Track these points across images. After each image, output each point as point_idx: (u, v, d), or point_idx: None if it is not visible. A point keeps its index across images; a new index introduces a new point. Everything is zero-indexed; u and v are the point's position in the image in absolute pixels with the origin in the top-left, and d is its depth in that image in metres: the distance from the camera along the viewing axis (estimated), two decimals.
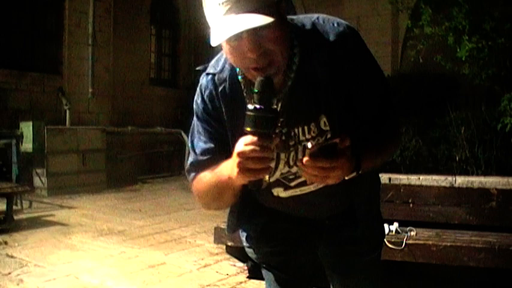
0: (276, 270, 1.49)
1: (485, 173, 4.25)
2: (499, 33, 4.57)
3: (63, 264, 3.90)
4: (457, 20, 4.71)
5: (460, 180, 3.59)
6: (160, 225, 5.37)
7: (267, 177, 1.19)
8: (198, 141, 1.35)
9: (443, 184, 3.58)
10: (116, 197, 7.27)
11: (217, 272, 3.76)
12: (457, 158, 4.59)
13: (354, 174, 1.16)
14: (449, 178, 3.61)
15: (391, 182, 3.65)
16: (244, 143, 1.07)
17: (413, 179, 3.71)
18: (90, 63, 8.80)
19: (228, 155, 1.18)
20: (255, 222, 1.47)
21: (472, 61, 4.78)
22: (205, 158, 1.32)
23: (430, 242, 3.04)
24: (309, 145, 1.10)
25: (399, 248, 3.04)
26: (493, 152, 4.48)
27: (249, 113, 1.07)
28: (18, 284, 3.44)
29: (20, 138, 6.63)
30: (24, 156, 6.60)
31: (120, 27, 9.44)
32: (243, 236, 1.55)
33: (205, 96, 1.33)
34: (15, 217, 5.30)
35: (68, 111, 8.28)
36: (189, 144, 1.39)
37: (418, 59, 5.35)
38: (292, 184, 1.33)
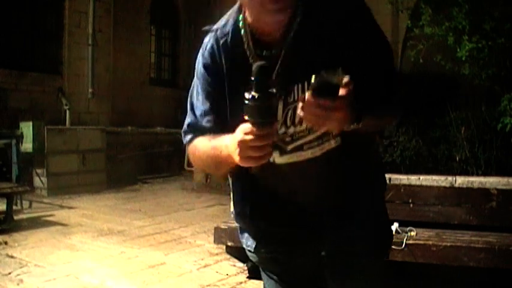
0: (277, 278, 1.47)
1: (485, 173, 4.25)
2: (499, 33, 4.57)
3: (63, 264, 3.90)
4: (457, 20, 4.71)
5: (460, 180, 3.59)
6: (160, 225, 5.37)
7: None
8: (197, 102, 1.34)
9: (443, 184, 3.58)
10: (115, 197, 7.27)
11: (217, 272, 3.76)
12: (457, 158, 4.59)
13: (354, 125, 1.11)
14: (449, 178, 3.61)
15: (391, 182, 3.64)
16: (244, 132, 1.07)
17: (414, 179, 3.71)
18: (90, 63, 8.80)
19: (225, 117, 1.21)
20: (255, 224, 1.43)
21: (472, 61, 4.78)
22: (203, 119, 1.32)
23: (430, 242, 3.04)
24: (313, 79, 1.04)
25: (399, 248, 3.04)
26: (493, 152, 4.49)
27: (246, 102, 1.06)
28: (18, 284, 3.44)
29: (20, 138, 6.62)
30: (24, 156, 6.59)
31: (120, 27, 9.44)
32: (242, 237, 1.52)
33: (206, 52, 1.33)
34: (15, 217, 5.30)
35: (68, 111, 8.28)
36: (188, 106, 1.38)
37: (418, 59, 5.35)
38: (289, 148, 1.27)
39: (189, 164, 9.29)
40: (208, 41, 1.33)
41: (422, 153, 4.92)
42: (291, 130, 1.25)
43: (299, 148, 1.26)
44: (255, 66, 1.06)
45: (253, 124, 1.06)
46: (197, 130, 1.32)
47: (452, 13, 4.78)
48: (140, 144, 9.43)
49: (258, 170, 1.15)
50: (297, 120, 1.22)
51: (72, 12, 8.63)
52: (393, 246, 3.01)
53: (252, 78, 1.06)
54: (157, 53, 10.99)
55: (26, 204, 6.06)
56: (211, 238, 3.74)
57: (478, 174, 4.27)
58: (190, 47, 11.53)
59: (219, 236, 3.56)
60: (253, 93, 1.05)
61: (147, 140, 9.62)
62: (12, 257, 4.05)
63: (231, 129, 1.14)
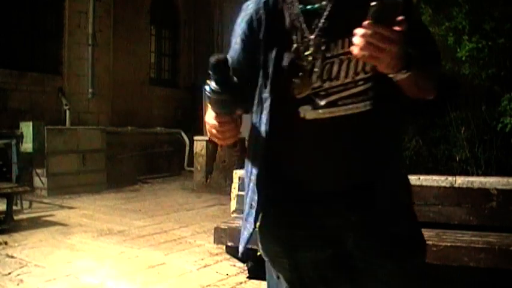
0: (283, 278, 1.38)
1: (485, 173, 4.25)
2: (499, 33, 4.57)
3: (63, 264, 3.90)
4: (457, 20, 4.71)
5: (460, 181, 3.59)
6: (160, 225, 5.37)
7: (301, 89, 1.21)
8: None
9: (443, 184, 3.57)
10: (115, 197, 7.27)
11: (217, 272, 3.76)
12: (457, 158, 4.59)
13: (404, 74, 1.09)
14: (450, 178, 3.60)
15: None
16: (210, 115, 1.16)
17: (413, 179, 3.70)
18: (90, 63, 8.80)
19: (252, 74, 1.24)
20: (276, 234, 1.35)
21: (472, 61, 4.78)
22: None
23: (430, 242, 3.04)
24: (373, 2, 1.01)
25: None
26: (493, 152, 4.49)
27: (206, 92, 1.11)
28: (18, 284, 3.44)
29: (20, 138, 6.62)
30: (24, 156, 6.59)
31: (120, 27, 9.44)
32: (243, 234, 1.42)
33: (249, 7, 1.30)
34: (15, 217, 5.30)
35: (68, 111, 8.29)
36: None
37: None
38: (322, 103, 1.21)
39: (189, 164, 9.29)
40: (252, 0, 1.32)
41: (422, 153, 4.92)
42: (326, 85, 1.21)
43: (333, 104, 1.21)
44: (212, 60, 1.09)
45: (214, 111, 1.14)
46: None
47: (452, 13, 4.78)
48: (140, 144, 9.43)
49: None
50: (333, 75, 1.20)
51: (72, 12, 8.63)
52: None
53: (210, 72, 1.09)
54: (157, 53, 10.99)
55: (26, 204, 6.06)
56: (211, 238, 3.74)
57: (478, 174, 4.27)
58: (190, 47, 11.55)
59: (219, 236, 3.56)
60: (212, 85, 1.10)
61: (147, 140, 9.62)
62: (12, 257, 4.05)
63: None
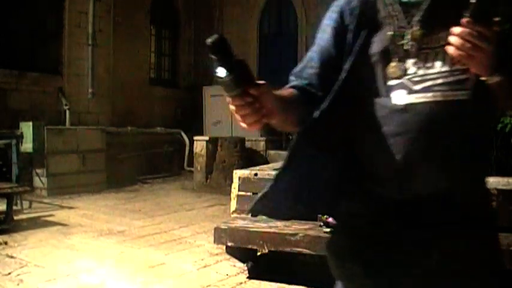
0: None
1: None
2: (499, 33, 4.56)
3: (63, 264, 3.90)
4: None
5: None
6: (160, 225, 5.37)
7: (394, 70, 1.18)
8: (310, 52, 1.30)
9: None
10: (115, 197, 7.27)
11: (217, 272, 3.76)
12: None
13: (496, 77, 1.06)
14: None
15: None
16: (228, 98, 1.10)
17: None
18: (90, 63, 8.80)
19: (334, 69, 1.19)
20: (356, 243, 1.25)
21: None
22: (306, 69, 1.28)
23: None
24: (473, 0, 0.99)
25: None
26: (493, 152, 4.48)
27: (214, 76, 1.06)
28: (18, 284, 3.44)
29: (20, 138, 6.62)
30: (24, 156, 6.60)
31: (120, 27, 9.44)
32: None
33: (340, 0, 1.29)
34: (15, 217, 5.30)
35: (68, 112, 8.29)
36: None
37: None
38: (417, 87, 1.16)
39: (189, 164, 9.29)
40: None
41: None
42: (421, 71, 1.17)
43: (428, 89, 1.16)
44: (208, 42, 1.03)
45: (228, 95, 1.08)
46: (297, 77, 1.29)
47: None
48: (140, 144, 9.43)
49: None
50: (428, 63, 1.18)
51: (72, 12, 8.63)
52: None
53: (211, 55, 1.04)
54: (157, 53, 11.00)
55: (26, 204, 6.06)
56: (211, 238, 3.74)
57: None
58: (190, 47, 11.55)
59: (219, 236, 3.56)
60: (216, 69, 1.04)
61: (147, 140, 9.62)
62: (12, 257, 4.05)
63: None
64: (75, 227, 5.21)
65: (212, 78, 12.13)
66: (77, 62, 8.73)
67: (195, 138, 8.44)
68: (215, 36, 1.02)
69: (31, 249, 4.31)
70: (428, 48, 1.17)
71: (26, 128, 6.85)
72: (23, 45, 8.01)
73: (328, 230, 3.30)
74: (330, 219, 3.40)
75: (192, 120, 10.29)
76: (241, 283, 3.52)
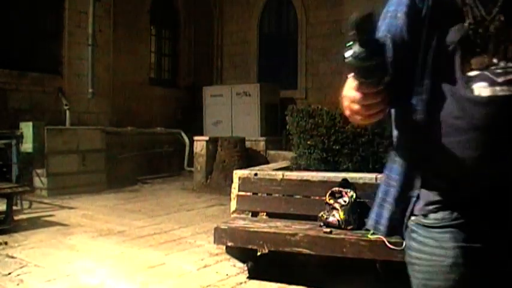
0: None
1: None
2: None
3: (63, 264, 3.90)
4: None
5: None
6: (160, 225, 5.37)
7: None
8: (381, 25, 1.21)
9: None
10: (115, 197, 7.27)
11: (217, 272, 3.75)
12: None
13: None
14: None
15: None
16: (350, 87, 0.99)
17: None
18: (90, 63, 8.81)
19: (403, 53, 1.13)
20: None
21: None
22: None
23: None
24: None
25: (399, 248, 3.03)
26: None
27: (346, 58, 0.92)
28: (18, 284, 3.44)
29: (20, 138, 6.63)
30: (24, 156, 6.60)
31: (120, 27, 9.45)
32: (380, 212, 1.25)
33: None
34: (15, 217, 5.30)
35: (68, 112, 8.29)
36: None
37: None
38: (500, 80, 1.11)
39: (189, 164, 9.30)
40: None
41: None
42: (502, 64, 1.12)
43: (511, 82, 1.11)
44: (355, 17, 0.90)
45: (357, 81, 0.95)
46: None
47: None
48: (140, 144, 9.43)
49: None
50: (510, 55, 1.13)
51: (72, 12, 8.64)
52: (393, 247, 3.01)
53: (352, 32, 0.91)
54: (157, 53, 11.01)
55: (26, 204, 6.06)
56: (211, 238, 3.74)
57: None
58: (190, 47, 11.56)
59: (219, 236, 3.56)
60: (355, 49, 0.91)
61: (147, 140, 9.62)
62: (12, 257, 4.05)
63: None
64: (75, 227, 5.21)
65: (212, 78, 12.14)
66: (77, 62, 8.74)
67: (195, 138, 8.44)
68: (364, 12, 0.89)
69: (31, 249, 4.31)
70: (509, 41, 1.13)
71: (26, 128, 6.85)
72: (23, 45, 8.02)
73: (328, 230, 3.30)
74: (330, 219, 3.40)
75: (192, 120, 10.29)
76: (241, 283, 3.52)
